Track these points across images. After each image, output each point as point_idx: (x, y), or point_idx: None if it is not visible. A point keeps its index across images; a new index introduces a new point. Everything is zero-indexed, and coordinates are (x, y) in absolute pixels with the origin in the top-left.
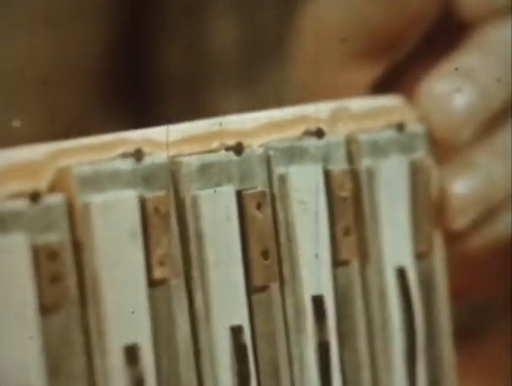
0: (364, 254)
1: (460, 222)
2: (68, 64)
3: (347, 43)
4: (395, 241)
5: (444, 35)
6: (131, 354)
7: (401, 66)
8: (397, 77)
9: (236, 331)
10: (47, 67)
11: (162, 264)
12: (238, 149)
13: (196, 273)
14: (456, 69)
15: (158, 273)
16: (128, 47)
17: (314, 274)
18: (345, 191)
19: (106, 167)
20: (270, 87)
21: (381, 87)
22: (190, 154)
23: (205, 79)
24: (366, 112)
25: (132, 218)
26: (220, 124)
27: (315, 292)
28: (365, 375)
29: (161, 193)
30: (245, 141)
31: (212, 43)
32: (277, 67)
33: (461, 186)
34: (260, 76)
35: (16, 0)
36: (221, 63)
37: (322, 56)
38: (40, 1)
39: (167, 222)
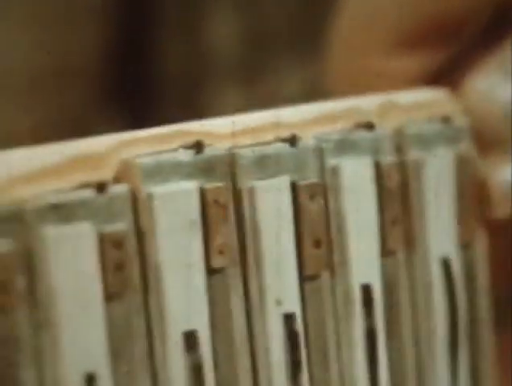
0: (410, 244)
1: (503, 210)
2: (66, 64)
3: (394, 28)
4: (440, 232)
5: (503, 28)
6: (190, 340)
7: (458, 59)
8: (453, 70)
9: (289, 319)
10: (45, 66)
11: (221, 253)
12: (293, 141)
13: (251, 262)
14: (500, 65)
15: (217, 262)
16: (126, 46)
17: (363, 263)
18: (393, 182)
19: (168, 158)
20: (293, 81)
21: (436, 79)
22: (247, 146)
23: (207, 77)
24: (413, 105)
25: (192, 208)
26: (277, 116)
27: (363, 280)
28: (410, 361)
29: (220, 184)
30: (299, 133)
31: (213, 41)
32: (307, 59)
33: (503, 175)
34: (277, 71)
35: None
36: (223, 61)
37: (365, 43)
38: (39, 0)
39: (226, 212)
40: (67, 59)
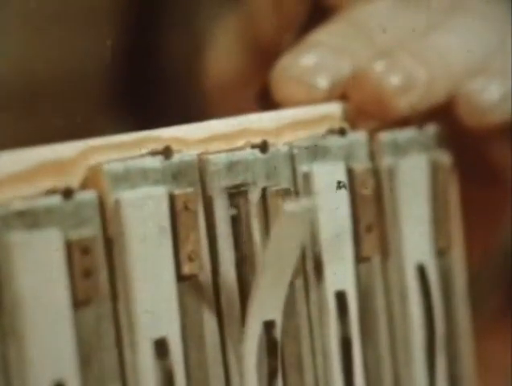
0: (385, 251)
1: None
2: (71, 66)
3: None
4: (415, 238)
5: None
6: (160, 347)
7: None
8: None
9: (267, 326)
10: (50, 68)
11: (190, 259)
12: (264, 147)
13: (222, 269)
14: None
15: (186, 269)
16: (133, 49)
17: (337, 270)
18: (367, 189)
19: (137, 164)
20: None
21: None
22: (217, 152)
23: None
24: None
25: (162, 214)
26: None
27: (338, 288)
28: (386, 369)
29: (190, 190)
30: (270, 140)
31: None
32: None
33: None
34: None
35: (17, 1)
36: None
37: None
38: (43, 1)
39: (196, 218)
40: (71, 60)
